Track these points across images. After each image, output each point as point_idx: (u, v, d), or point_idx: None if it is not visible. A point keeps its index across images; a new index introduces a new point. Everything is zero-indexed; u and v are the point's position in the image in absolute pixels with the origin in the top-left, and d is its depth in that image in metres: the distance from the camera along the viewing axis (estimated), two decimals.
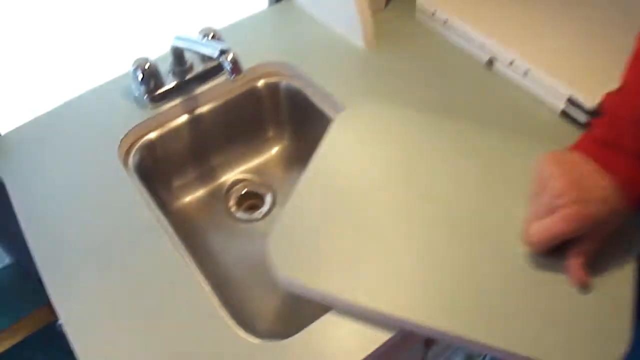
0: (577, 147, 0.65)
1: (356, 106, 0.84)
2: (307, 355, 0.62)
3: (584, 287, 0.63)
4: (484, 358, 1.21)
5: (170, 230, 0.75)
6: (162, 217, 0.77)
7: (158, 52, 0.95)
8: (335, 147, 0.79)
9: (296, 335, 0.64)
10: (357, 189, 0.74)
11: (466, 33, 0.95)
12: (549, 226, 0.62)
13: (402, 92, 0.90)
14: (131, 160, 0.87)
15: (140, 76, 0.87)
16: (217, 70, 0.94)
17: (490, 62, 0.93)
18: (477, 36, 0.93)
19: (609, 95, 0.65)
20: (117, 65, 0.98)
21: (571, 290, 0.63)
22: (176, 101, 0.91)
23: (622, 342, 0.59)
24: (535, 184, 0.66)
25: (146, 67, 0.87)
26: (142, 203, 0.78)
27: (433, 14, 0.99)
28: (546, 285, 0.64)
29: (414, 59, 0.96)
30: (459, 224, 0.69)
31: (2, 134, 0.89)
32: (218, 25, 0.96)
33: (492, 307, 0.62)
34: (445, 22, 0.98)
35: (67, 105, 0.92)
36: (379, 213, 0.71)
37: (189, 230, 0.94)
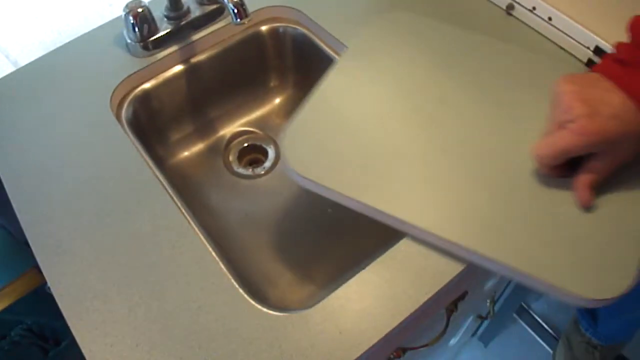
0: (596, 67, 0.62)
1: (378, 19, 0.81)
2: (327, 328, 0.58)
3: (588, 208, 0.61)
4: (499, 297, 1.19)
5: (168, 187, 0.70)
6: (158, 173, 0.71)
7: None
8: (358, 56, 0.77)
9: (317, 306, 0.59)
10: (376, 98, 0.72)
11: None
12: (555, 140, 0.61)
13: (416, 38, 0.83)
14: (124, 113, 0.81)
15: (132, 21, 0.80)
16: (216, 14, 0.87)
17: (511, 7, 0.87)
18: None
19: (634, 19, 0.61)
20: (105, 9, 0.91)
21: (587, 215, 0.61)
22: (172, 49, 0.85)
23: (627, 276, 0.56)
24: (551, 103, 0.64)
25: (139, 11, 0.80)
26: (138, 158, 0.72)
27: None
28: (555, 206, 0.62)
29: (427, 4, 0.89)
30: (472, 141, 0.68)
31: None
32: None
33: (495, 224, 0.61)
34: None
35: (53, 54, 0.86)
36: (394, 125, 0.70)
37: (187, 187, 0.89)
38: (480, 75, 0.75)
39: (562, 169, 0.63)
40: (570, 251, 0.59)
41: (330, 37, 0.87)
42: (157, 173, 0.71)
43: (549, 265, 0.58)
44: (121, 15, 0.82)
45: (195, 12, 0.85)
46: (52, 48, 0.86)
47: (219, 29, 0.88)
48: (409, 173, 0.65)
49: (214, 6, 0.86)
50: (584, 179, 0.61)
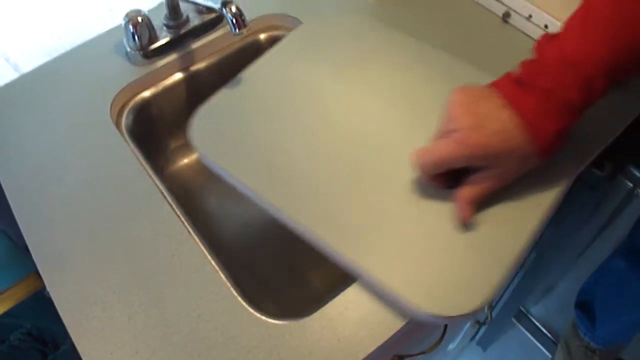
0: (495, 82, 0.62)
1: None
2: (326, 336, 0.59)
3: (466, 224, 0.61)
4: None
5: (167, 194, 0.71)
6: (157, 181, 0.72)
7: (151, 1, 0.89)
8: (293, 49, 0.80)
9: (315, 314, 0.60)
10: (298, 95, 0.75)
11: None
12: (437, 148, 0.60)
13: (356, 41, 0.83)
14: (124, 120, 0.82)
15: (132, 30, 0.81)
16: (214, 23, 0.88)
17: (507, 15, 0.87)
18: None
19: (543, 37, 0.61)
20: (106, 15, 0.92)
21: (463, 231, 0.61)
22: (171, 57, 0.86)
23: (479, 297, 0.56)
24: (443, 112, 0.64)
25: (139, 20, 0.81)
26: (137, 166, 0.73)
27: None
28: (434, 218, 0.62)
29: (424, 12, 0.90)
30: (371, 142, 0.70)
31: None
32: None
33: (364, 224, 0.62)
34: None
35: (55, 61, 0.87)
36: (306, 125, 0.72)
37: (186, 195, 0.90)
38: (413, 89, 0.75)
39: (444, 180, 0.63)
40: (433, 266, 0.59)
41: None
42: (156, 180, 0.72)
43: (405, 278, 0.58)
44: (121, 23, 0.82)
45: (195, 20, 0.86)
46: (52, 52, 0.87)
47: (218, 37, 0.88)
48: (300, 168, 0.67)
49: (213, 15, 0.87)
50: (464, 193, 0.61)
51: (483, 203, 0.61)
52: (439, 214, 0.62)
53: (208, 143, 0.68)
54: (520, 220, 0.62)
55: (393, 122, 0.71)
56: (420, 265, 0.59)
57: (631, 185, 1.03)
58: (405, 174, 0.65)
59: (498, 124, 0.57)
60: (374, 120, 0.71)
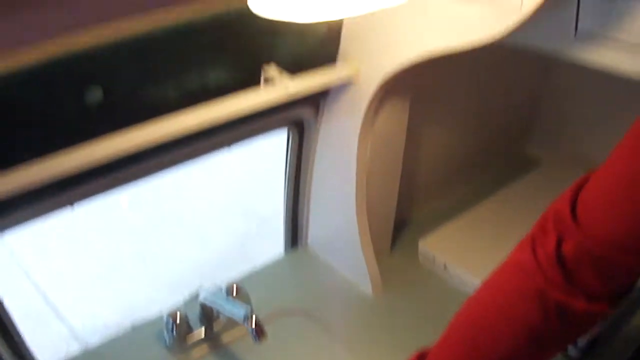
0: None
1: None
2: None
3: None
4: None
5: None
6: None
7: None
8: None
9: None
10: None
11: (464, 278, 1.05)
12: None
13: (405, 344, 0.98)
14: None
15: (171, 327, 0.97)
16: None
17: None
18: (474, 281, 1.03)
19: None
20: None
21: None
22: (204, 348, 1.00)
23: None
24: None
25: (177, 319, 0.97)
26: None
27: (433, 259, 1.11)
28: None
29: (418, 306, 1.06)
30: None
31: None
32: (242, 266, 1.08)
33: None
34: (444, 266, 1.09)
35: (105, 346, 1.02)
36: None
37: None
38: None
39: None
40: None
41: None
42: None
43: None
44: (162, 317, 0.99)
45: (224, 317, 1.02)
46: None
47: (243, 334, 1.02)
48: None
49: None
50: None
51: None
52: None
53: None
54: None
55: None
56: None
57: None
58: None
59: None
60: None
